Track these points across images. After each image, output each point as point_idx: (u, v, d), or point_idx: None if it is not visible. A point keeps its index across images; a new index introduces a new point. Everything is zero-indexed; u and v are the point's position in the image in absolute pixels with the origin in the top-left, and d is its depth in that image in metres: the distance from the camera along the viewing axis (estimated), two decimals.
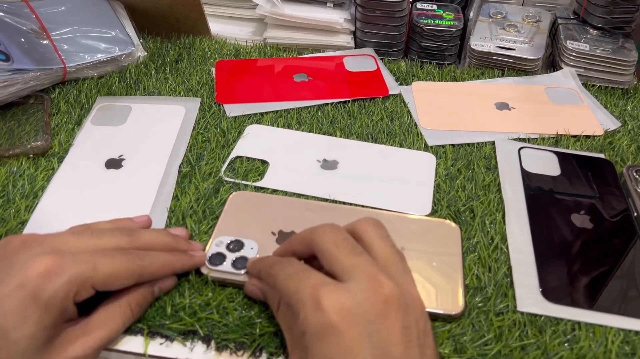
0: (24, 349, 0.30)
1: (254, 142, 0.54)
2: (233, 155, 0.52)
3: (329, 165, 0.52)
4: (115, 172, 0.50)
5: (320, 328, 0.29)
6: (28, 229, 0.44)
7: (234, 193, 0.48)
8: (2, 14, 0.56)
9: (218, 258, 0.41)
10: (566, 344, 0.38)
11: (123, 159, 0.52)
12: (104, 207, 0.47)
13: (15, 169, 0.49)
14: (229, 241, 0.42)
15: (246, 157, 0.52)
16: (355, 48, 0.71)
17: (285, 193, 0.49)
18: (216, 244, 0.42)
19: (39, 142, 0.51)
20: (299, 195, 0.49)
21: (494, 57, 0.67)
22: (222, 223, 0.44)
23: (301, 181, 0.50)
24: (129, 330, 0.38)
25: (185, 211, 0.46)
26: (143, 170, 0.50)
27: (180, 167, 0.51)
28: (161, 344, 0.37)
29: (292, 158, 0.52)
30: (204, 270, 0.40)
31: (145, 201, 0.47)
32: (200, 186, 0.49)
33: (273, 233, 0.44)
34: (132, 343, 0.37)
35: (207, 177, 0.50)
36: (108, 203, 0.47)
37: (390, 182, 0.50)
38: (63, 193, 0.48)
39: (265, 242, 0.43)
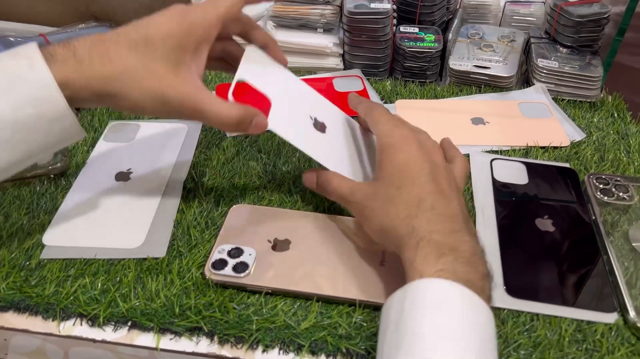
0: (159, 56, 0.42)
1: (256, 69, 0.51)
2: (236, 78, 0.49)
3: (318, 126, 0.53)
4: (124, 184, 0.56)
5: (392, 144, 0.46)
6: (47, 235, 0.50)
7: (234, 206, 0.53)
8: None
9: (220, 263, 0.46)
10: (525, 333, 0.43)
11: (131, 172, 0.58)
12: (113, 215, 0.52)
13: (38, 188, 0.55)
14: (229, 249, 0.48)
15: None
16: (344, 69, 0.77)
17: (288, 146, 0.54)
18: (218, 251, 0.47)
19: (58, 164, 0.57)
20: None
21: (471, 75, 0.73)
22: (224, 233, 0.50)
23: (300, 133, 0.50)
24: (142, 328, 0.43)
25: (190, 223, 0.52)
26: (149, 182, 0.56)
27: (184, 182, 0.57)
28: (171, 339, 0.43)
29: (292, 103, 0.52)
30: (207, 274, 0.46)
31: (149, 210, 0.53)
32: (203, 201, 0.54)
33: (269, 241, 0.49)
34: (145, 339, 0.43)
35: (209, 192, 0.56)
36: (116, 211, 0.53)
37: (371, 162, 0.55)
38: (78, 202, 0.54)
39: (262, 249, 0.48)
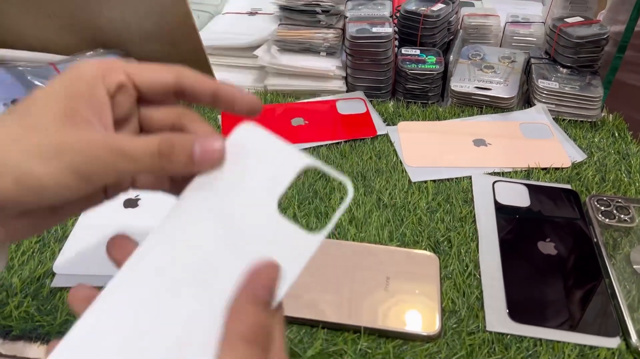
0: (44, 107, 0.28)
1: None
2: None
3: None
4: (132, 210, 0.57)
5: None
6: (57, 263, 0.51)
7: None
8: (32, 77, 0.64)
9: None
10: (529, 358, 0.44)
11: (139, 199, 0.59)
12: None
13: None
14: None
15: None
16: (347, 92, 0.78)
17: None
18: None
19: None
20: None
21: (473, 97, 0.74)
22: None
23: None
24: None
25: None
26: (156, 209, 0.57)
27: None
28: None
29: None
30: None
31: None
32: None
33: None
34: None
35: None
36: None
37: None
38: (87, 230, 0.55)
39: None
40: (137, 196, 0.59)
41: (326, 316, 0.46)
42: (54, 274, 0.50)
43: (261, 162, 0.29)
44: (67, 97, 0.28)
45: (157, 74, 0.30)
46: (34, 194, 0.27)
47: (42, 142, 0.27)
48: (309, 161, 0.29)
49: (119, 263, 0.29)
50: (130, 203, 0.58)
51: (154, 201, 0.58)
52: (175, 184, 0.32)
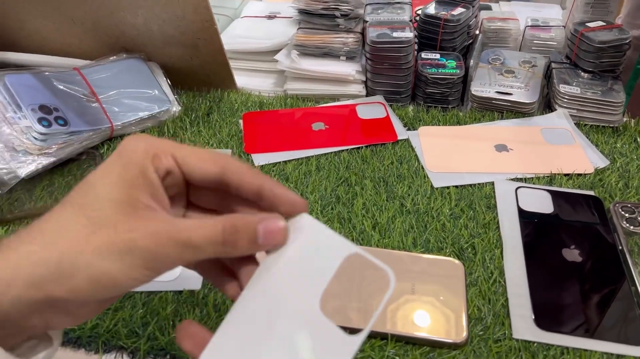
0: (104, 197, 0.29)
1: None
2: None
3: None
4: None
5: None
6: None
7: None
8: (57, 82, 0.65)
9: None
10: None
11: None
12: None
13: None
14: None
15: None
16: (366, 96, 0.78)
17: None
18: None
19: None
20: None
21: (494, 101, 0.74)
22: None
23: None
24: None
25: None
26: None
27: None
28: None
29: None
30: None
31: None
32: None
33: None
34: None
35: None
36: None
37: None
38: None
39: None
40: None
41: (352, 322, 0.46)
42: None
43: (313, 249, 0.30)
44: (123, 184, 0.29)
45: (203, 165, 0.31)
46: (106, 290, 0.28)
47: (112, 241, 0.28)
48: (355, 249, 0.29)
49: (190, 353, 0.30)
50: None
51: None
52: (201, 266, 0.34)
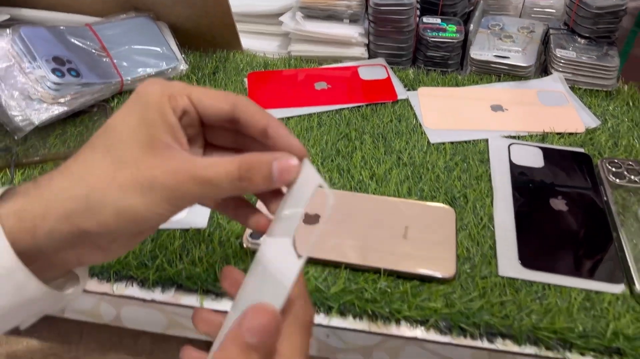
0: (127, 138, 0.31)
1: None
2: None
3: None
4: None
5: None
6: None
7: None
8: (70, 36, 0.68)
9: (257, 234, 0.51)
10: (537, 301, 0.47)
11: None
12: None
13: None
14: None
15: None
16: (368, 58, 0.81)
17: None
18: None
19: None
20: None
21: (492, 65, 0.76)
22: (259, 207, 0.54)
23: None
24: (187, 289, 0.48)
25: None
26: None
27: None
28: (213, 299, 0.48)
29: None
30: (245, 243, 0.50)
31: None
32: None
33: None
34: (190, 299, 0.48)
35: None
36: None
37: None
38: None
39: None
40: None
41: (349, 258, 0.49)
42: None
43: (298, 187, 0.32)
44: (144, 125, 0.31)
45: (216, 102, 0.33)
46: (131, 223, 0.30)
47: (135, 178, 0.30)
48: (320, 181, 0.31)
49: (229, 292, 0.34)
50: None
51: None
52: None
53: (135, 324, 0.51)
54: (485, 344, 0.45)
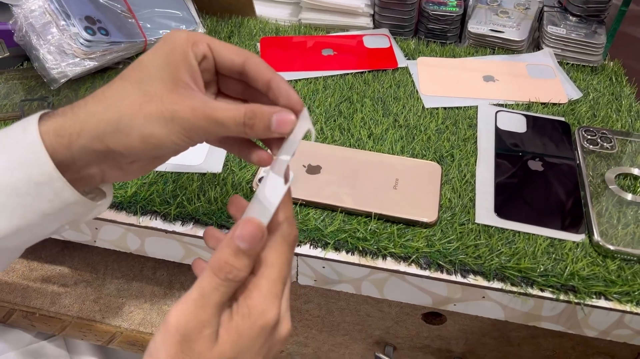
0: (154, 75, 0.36)
1: None
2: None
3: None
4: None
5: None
6: None
7: None
8: None
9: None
10: (507, 245, 0.54)
11: None
12: None
13: None
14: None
15: None
16: (373, 28, 0.86)
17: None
18: (264, 171, 0.59)
19: None
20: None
21: (487, 38, 0.81)
22: None
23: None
24: (204, 224, 0.55)
25: None
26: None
27: None
28: (226, 232, 0.55)
29: None
30: (254, 187, 0.57)
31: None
32: None
33: (304, 166, 0.60)
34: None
35: None
36: None
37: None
38: None
39: (299, 172, 0.59)
40: None
41: (344, 203, 0.56)
42: None
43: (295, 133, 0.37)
44: (169, 65, 0.36)
45: (230, 54, 0.38)
46: (153, 148, 0.36)
47: (159, 110, 0.35)
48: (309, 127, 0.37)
49: (234, 217, 0.40)
50: None
51: None
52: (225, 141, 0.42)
53: (156, 254, 0.59)
54: (459, 279, 0.52)
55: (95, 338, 0.63)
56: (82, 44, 0.68)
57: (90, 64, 0.69)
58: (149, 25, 0.77)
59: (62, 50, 0.67)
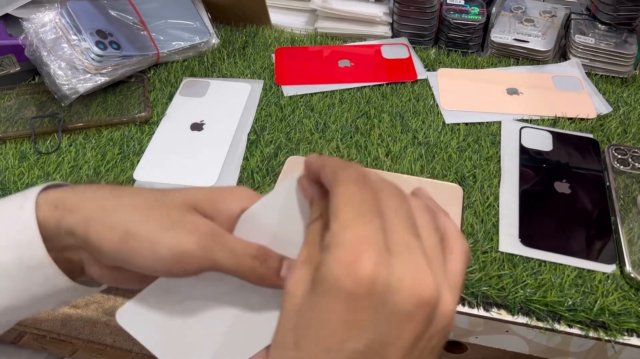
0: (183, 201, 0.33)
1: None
2: None
3: None
4: (198, 133, 0.66)
5: (337, 283, 0.24)
6: (137, 172, 0.61)
7: (290, 157, 0.62)
8: (113, 12, 0.72)
9: None
10: (532, 276, 0.51)
11: (204, 123, 0.67)
12: (190, 159, 0.63)
13: (127, 133, 0.66)
14: None
15: None
16: (392, 37, 0.83)
17: None
18: None
19: (143, 113, 0.67)
20: None
21: (511, 48, 0.78)
22: (282, 178, 0.59)
23: None
24: None
25: (253, 169, 0.61)
26: (219, 132, 0.66)
27: (248, 135, 0.66)
28: None
29: None
30: None
31: (219, 156, 0.63)
32: (264, 151, 0.64)
33: None
34: None
35: (269, 144, 0.65)
36: (193, 156, 0.63)
37: None
38: (160, 146, 0.64)
39: None
40: (202, 121, 0.67)
41: None
42: (134, 181, 0.60)
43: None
44: (193, 205, 0.33)
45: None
46: (128, 253, 0.31)
47: (162, 218, 0.32)
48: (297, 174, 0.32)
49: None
50: (196, 127, 0.67)
51: (216, 126, 0.67)
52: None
53: None
54: (481, 312, 0.50)
55: None
56: (93, 59, 0.66)
57: (101, 79, 0.67)
58: (161, 38, 0.75)
59: (73, 66, 0.66)
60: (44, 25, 0.66)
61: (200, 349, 0.34)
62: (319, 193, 0.30)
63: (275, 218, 0.33)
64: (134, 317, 0.35)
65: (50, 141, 0.65)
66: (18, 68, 0.71)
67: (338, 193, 0.27)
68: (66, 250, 0.34)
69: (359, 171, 0.28)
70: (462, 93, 0.73)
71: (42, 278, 0.33)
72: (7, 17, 0.71)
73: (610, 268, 0.52)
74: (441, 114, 0.70)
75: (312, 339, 0.25)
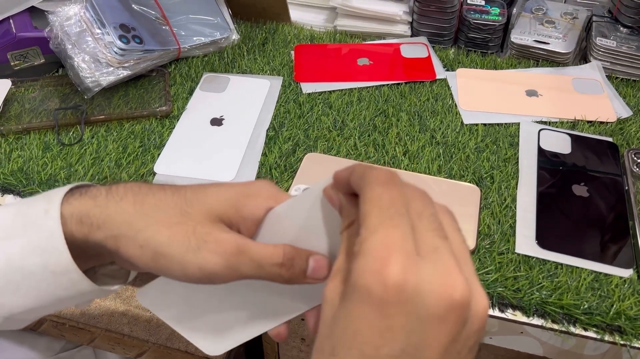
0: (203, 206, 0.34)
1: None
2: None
3: None
4: (218, 128, 0.67)
5: (368, 291, 0.24)
6: (157, 165, 0.62)
7: (308, 154, 0.63)
8: (135, 6, 0.73)
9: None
10: (548, 278, 0.51)
11: (223, 119, 0.68)
12: (210, 153, 0.64)
13: (148, 127, 0.67)
14: (304, 188, 0.57)
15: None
16: (411, 37, 0.83)
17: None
18: (295, 189, 0.57)
19: (164, 107, 0.68)
20: None
21: (531, 49, 0.78)
22: (299, 175, 0.60)
23: None
24: None
25: (271, 165, 0.62)
26: (238, 127, 0.67)
27: (267, 131, 0.66)
28: None
29: None
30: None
31: (238, 151, 0.64)
32: (282, 147, 0.64)
33: None
34: None
35: (287, 140, 0.65)
36: (212, 150, 0.64)
37: None
38: (181, 141, 0.65)
39: None
40: (222, 116, 0.68)
41: None
42: (154, 173, 0.61)
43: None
44: (221, 213, 0.34)
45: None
46: (157, 266, 0.33)
47: (187, 233, 0.33)
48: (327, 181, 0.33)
49: None
50: (216, 122, 0.68)
51: (236, 121, 0.68)
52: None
53: None
54: (496, 313, 0.50)
55: (124, 351, 0.63)
56: (116, 53, 0.67)
57: (123, 73, 0.68)
58: (183, 33, 0.76)
59: (96, 59, 0.67)
60: (69, 19, 0.67)
61: (216, 324, 0.36)
62: (347, 201, 0.30)
63: (301, 217, 0.33)
64: (154, 296, 0.38)
65: (73, 132, 0.66)
66: (43, 61, 0.72)
67: (366, 195, 0.27)
68: (96, 257, 0.36)
69: (387, 171, 0.28)
70: (481, 93, 0.73)
71: (67, 282, 0.35)
72: (33, 9, 0.72)
73: (627, 273, 0.52)
74: (459, 114, 0.70)
75: (348, 346, 0.25)
